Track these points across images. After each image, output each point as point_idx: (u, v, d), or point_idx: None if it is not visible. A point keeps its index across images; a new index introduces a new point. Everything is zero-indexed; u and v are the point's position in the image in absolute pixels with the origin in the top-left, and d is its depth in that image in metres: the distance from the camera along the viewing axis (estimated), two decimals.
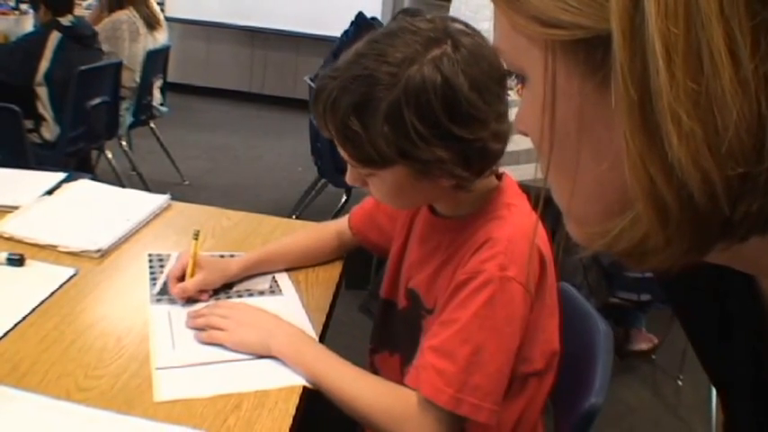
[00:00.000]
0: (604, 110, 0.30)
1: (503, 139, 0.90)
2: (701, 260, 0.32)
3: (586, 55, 0.31)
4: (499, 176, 1.01)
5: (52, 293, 1.08)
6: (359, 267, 2.61)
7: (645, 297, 2.43)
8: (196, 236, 1.16)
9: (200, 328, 1.04)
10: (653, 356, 2.61)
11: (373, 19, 3.78)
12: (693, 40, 0.26)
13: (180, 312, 1.09)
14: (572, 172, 0.35)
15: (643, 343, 2.50)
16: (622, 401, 2.37)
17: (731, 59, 0.25)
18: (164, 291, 1.14)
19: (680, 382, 2.47)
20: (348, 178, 0.98)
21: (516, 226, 0.92)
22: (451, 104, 0.84)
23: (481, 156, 0.89)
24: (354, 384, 0.94)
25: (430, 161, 0.87)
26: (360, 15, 3.45)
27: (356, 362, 0.99)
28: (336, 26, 3.85)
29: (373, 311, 1.21)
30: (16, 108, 2.58)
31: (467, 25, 0.91)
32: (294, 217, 3.01)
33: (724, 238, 0.29)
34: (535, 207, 0.93)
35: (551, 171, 0.37)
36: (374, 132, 0.86)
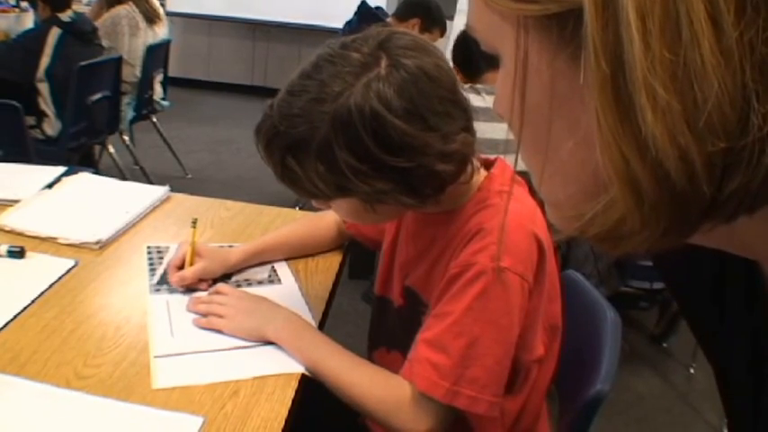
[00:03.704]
0: (577, 86, 0.29)
1: (454, 159, 0.85)
2: (684, 242, 0.31)
3: (559, 30, 0.29)
4: (490, 164, 0.99)
5: (52, 284, 1.09)
6: (362, 257, 2.62)
7: (657, 285, 2.42)
8: (194, 224, 1.16)
9: (202, 314, 1.05)
10: (664, 345, 2.61)
11: (378, 8, 3.75)
12: (671, 7, 0.24)
13: (178, 302, 1.09)
14: (543, 152, 0.34)
15: None
16: (633, 389, 2.37)
17: (712, 27, 0.24)
18: (162, 280, 1.15)
19: (692, 370, 2.48)
20: (313, 202, 0.96)
21: (509, 214, 0.90)
22: (382, 135, 0.81)
23: (429, 180, 0.85)
24: (351, 372, 0.94)
25: (371, 193, 0.85)
26: (363, 5, 3.42)
27: (359, 350, 0.99)
28: (339, 17, 3.83)
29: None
30: (17, 104, 2.59)
31: (415, 39, 0.87)
32: (297, 208, 3.02)
33: (706, 218, 0.27)
34: (530, 192, 0.93)
35: (524, 152, 0.36)
36: (310, 171, 0.85)
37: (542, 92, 0.32)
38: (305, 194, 0.91)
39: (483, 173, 0.97)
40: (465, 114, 0.87)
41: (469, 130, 0.88)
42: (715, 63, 0.24)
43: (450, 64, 0.95)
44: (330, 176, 0.84)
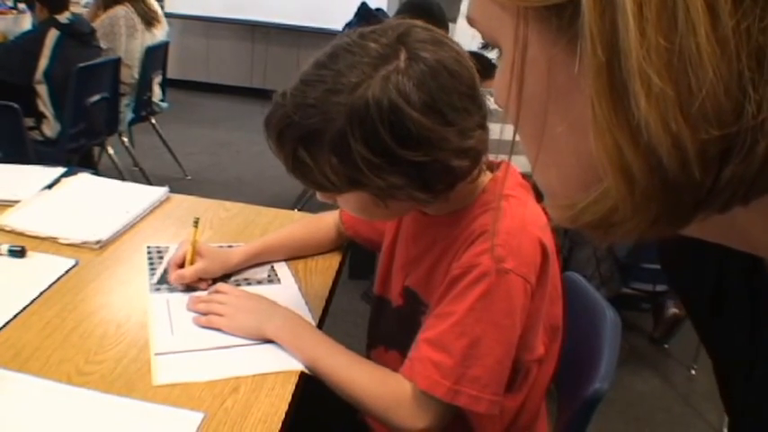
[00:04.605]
0: (574, 75, 0.29)
1: (470, 154, 0.85)
2: (677, 233, 0.31)
3: (558, 20, 0.29)
4: (495, 167, 0.99)
5: (53, 283, 1.10)
6: (362, 257, 2.63)
7: (660, 287, 2.43)
8: (196, 223, 1.17)
9: (201, 313, 1.05)
10: (665, 345, 2.62)
11: (378, 10, 3.75)
12: None
13: (178, 300, 1.10)
14: (538, 141, 0.34)
15: (675, 307, 2.52)
16: (634, 389, 2.38)
17: (709, 15, 0.24)
18: (162, 279, 1.16)
19: (693, 371, 2.49)
20: (318, 196, 0.96)
21: (514, 217, 0.90)
22: (400, 129, 0.79)
23: (443, 176, 0.85)
24: (349, 369, 0.95)
25: (384, 188, 0.84)
26: (363, 6, 3.42)
27: (358, 350, 1.00)
28: (338, 19, 3.83)
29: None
30: (16, 106, 2.60)
31: (434, 33, 0.86)
32: (296, 210, 3.02)
33: (699, 207, 0.27)
34: (537, 197, 0.94)
35: (522, 143, 0.36)
36: (322, 163, 0.83)
37: (540, 82, 0.32)
38: (315, 187, 0.90)
39: (488, 175, 0.97)
40: (481, 111, 0.87)
41: (484, 127, 0.87)
42: (710, 51, 0.24)
43: None
44: (343, 169, 0.83)
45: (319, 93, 0.82)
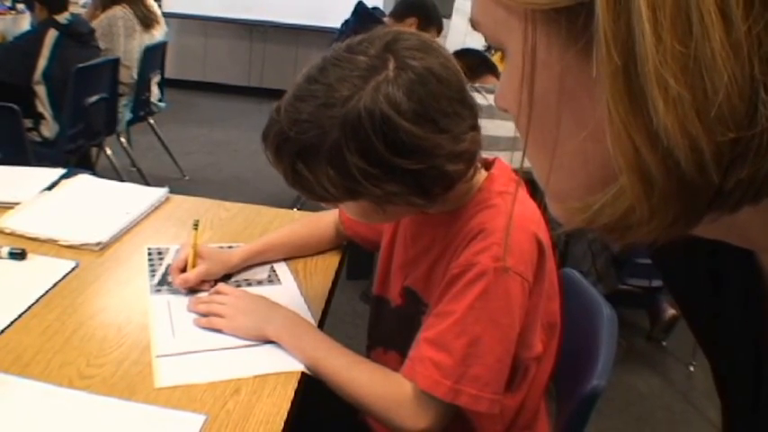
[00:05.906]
0: (586, 79, 0.29)
1: (464, 158, 0.86)
2: (689, 233, 0.31)
3: (568, 23, 0.29)
4: (489, 165, 1.00)
5: (54, 286, 1.10)
6: (360, 258, 2.63)
7: (656, 283, 2.43)
8: (195, 226, 1.17)
9: (202, 314, 1.06)
10: (663, 343, 2.63)
11: (374, 8, 3.76)
12: (682, 0, 0.25)
13: (179, 302, 1.10)
14: (551, 146, 0.34)
15: (671, 307, 2.52)
16: (633, 388, 2.38)
17: (722, 20, 0.24)
18: (163, 281, 1.16)
19: (692, 368, 2.49)
20: (322, 204, 0.96)
21: (510, 214, 0.91)
22: (393, 138, 0.80)
23: (439, 181, 0.86)
24: (350, 370, 0.95)
25: (381, 196, 0.85)
26: (360, 5, 3.42)
27: (357, 351, 1.00)
28: (335, 17, 3.84)
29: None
30: (15, 107, 2.59)
31: (421, 39, 0.87)
32: (296, 209, 3.02)
33: (713, 208, 0.28)
34: (531, 193, 0.94)
35: (530, 147, 0.36)
36: (320, 176, 0.85)
37: (551, 86, 0.32)
38: (316, 198, 0.90)
39: (483, 173, 0.98)
40: (472, 112, 0.87)
41: (476, 128, 0.88)
42: (725, 55, 0.24)
43: None
44: (341, 181, 0.84)
45: (312, 107, 0.83)
